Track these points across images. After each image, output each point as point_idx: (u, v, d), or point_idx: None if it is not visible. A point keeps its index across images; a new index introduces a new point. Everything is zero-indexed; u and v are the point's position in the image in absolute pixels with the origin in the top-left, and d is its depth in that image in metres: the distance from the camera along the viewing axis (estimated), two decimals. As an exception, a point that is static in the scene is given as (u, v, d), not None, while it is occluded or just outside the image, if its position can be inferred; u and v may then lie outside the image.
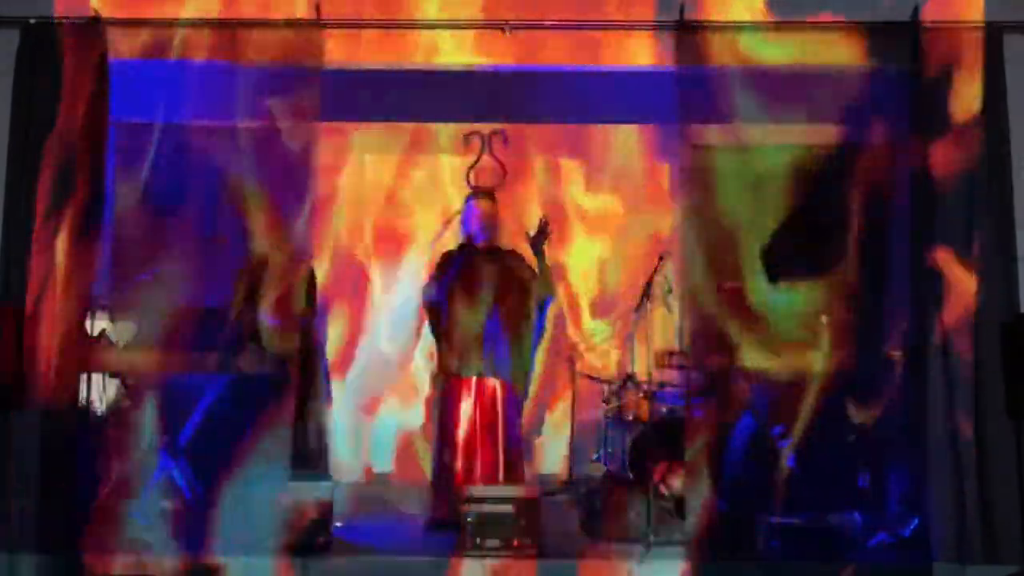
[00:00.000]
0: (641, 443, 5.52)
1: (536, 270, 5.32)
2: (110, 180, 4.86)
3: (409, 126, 6.95)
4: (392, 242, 7.16)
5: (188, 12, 4.85)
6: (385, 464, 6.92)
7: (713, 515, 4.72)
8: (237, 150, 4.93)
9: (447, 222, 5.74)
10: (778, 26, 4.82)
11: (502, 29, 4.90)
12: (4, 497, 4.45)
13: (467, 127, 5.80)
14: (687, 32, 4.79)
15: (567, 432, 6.71)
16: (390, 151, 7.17)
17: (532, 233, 5.34)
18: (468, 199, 5.46)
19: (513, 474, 5.14)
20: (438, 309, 5.36)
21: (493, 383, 5.20)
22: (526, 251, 5.40)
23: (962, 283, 4.57)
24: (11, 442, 4.47)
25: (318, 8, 4.81)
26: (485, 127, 5.76)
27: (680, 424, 5.53)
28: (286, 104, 4.79)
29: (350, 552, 4.62)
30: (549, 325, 5.57)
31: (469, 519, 4.50)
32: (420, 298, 5.54)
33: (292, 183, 4.84)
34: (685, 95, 4.81)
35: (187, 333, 4.92)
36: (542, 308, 5.37)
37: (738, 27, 4.82)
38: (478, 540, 4.48)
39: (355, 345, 7.04)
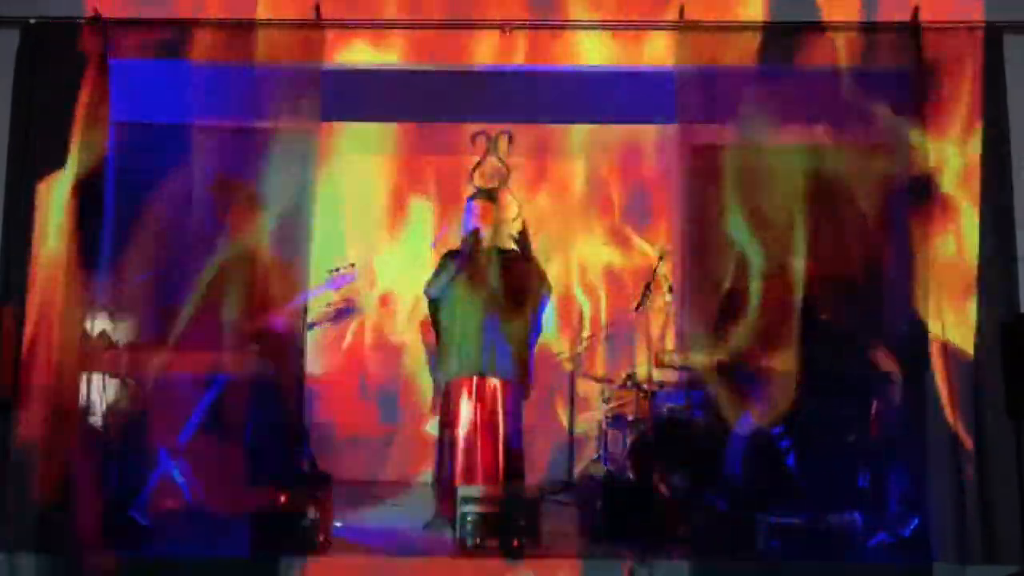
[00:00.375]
0: (641, 443, 5.52)
1: (533, 275, 5.32)
2: (110, 180, 4.85)
3: (410, 126, 6.97)
4: (394, 242, 7.19)
5: (188, 12, 4.85)
6: (386, 463, 6.94)
7: (713, 515, 4.73)
8: (237, 150, 4.93)
9: (448, 222, 5.75)
10: (778, 26, 4.81)
11: (502, 29, 4.89)
12: (4, 497, 4.44)
13: (472, 127, 5.80)
14: (687, 32, 4.79)
15: (567, 432, 6.72)
16: (391, 151, 7.19)
17: (515, 235, 5.34)
18: (470, 199, 5.46)
19: (513, 474, 5.14)
20: (439, 308, 5.37)
21: (494, 382, 5.20)
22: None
23: (962, 282, 4.57)
24: (10, 442, 4.47)
25: (318, 8, 4.81)
26: (491, 127, 5.76)
27: (680, 424, 5.55)
28: (286, 104, 4.79)
29: (350, 552, 4.62)
30: (547, 324, 5.57)
31: (469, 519, 4.50)
32: (422, 297, 5.55)
33: (292, 183, 4.84)
34: (685, 95, 4.81)
35: (187, 333, 4.92)
36: (539, 306, 5.37)
37: (738, 27, 4.82)
38: (478, 540, 4.48)
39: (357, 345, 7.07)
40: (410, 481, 6.51)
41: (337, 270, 5.57)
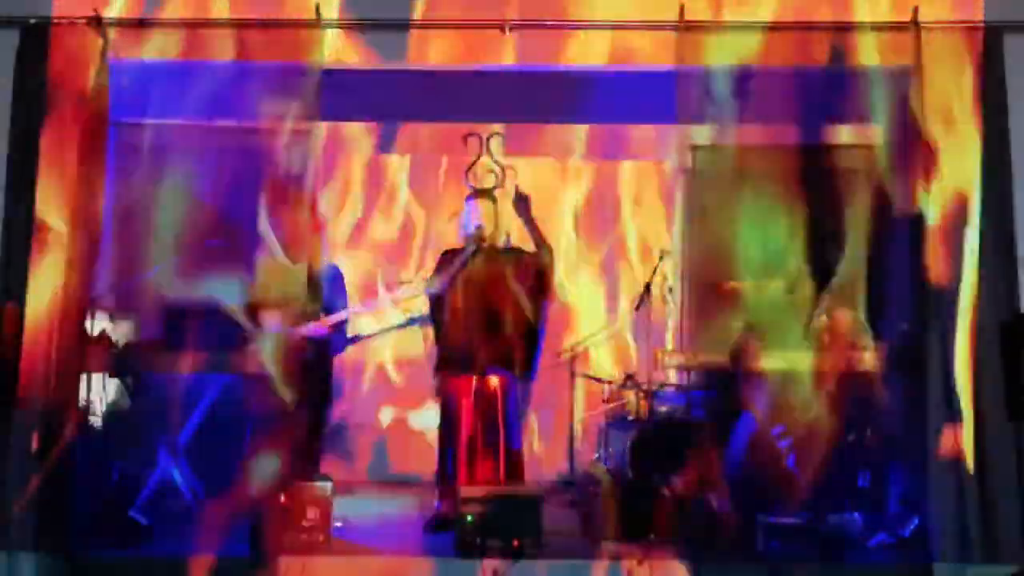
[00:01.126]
0: (641, 443, 5.52)
1: (536, 268, 5.32)
2: (110, 180, 4.85)
3: (409, 126, 6.97)
4: (394, 242, 7.18)
5: (188, 12, 4.85)
6: (388, 463, 6.94)
7: (713, 515, 4.73)
8: (237, 150, 4.93)
9: (448, 222, 5.77)
10: (777, 26, 4.81)
11: (502, 29, 4.89)
12: (3, 497, 4.44)
13: (467, 127, 5.82)
14: (687, 32, 4.79)
15: (567, 432, 6.71)
16: (390, 150, 7.19)
17: (514, 201, 5.33)
18: (469, 198, 5.46)
19: (514, 473, 5.14)
20: (439, 308, 5.37)
21: (494, 381, 5.20)
22: (526, 246, 5.40)
23: (962, 282, 4.57)
24: (10, 442, 4.47)
25: (318, 8, 4.81)
26: (483, 128, 5.78)
27: (680, 424, 5.55)
28: (286, 104, 4.79)
29: (350, 552, 4.62)
30: (547, 324, 5.56)
31: (469, 519, 4.50)
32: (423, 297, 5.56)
33: (292, 183, 4.84)
34: (685, 95, 4.81)
35: (187, 333, 4.92)
36: (543, 283, 5.35)
37: (738, 27, 4.82)
38: (478, 540, 4.48)
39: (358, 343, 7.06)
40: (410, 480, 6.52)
41: (400, 283, 5.68)
